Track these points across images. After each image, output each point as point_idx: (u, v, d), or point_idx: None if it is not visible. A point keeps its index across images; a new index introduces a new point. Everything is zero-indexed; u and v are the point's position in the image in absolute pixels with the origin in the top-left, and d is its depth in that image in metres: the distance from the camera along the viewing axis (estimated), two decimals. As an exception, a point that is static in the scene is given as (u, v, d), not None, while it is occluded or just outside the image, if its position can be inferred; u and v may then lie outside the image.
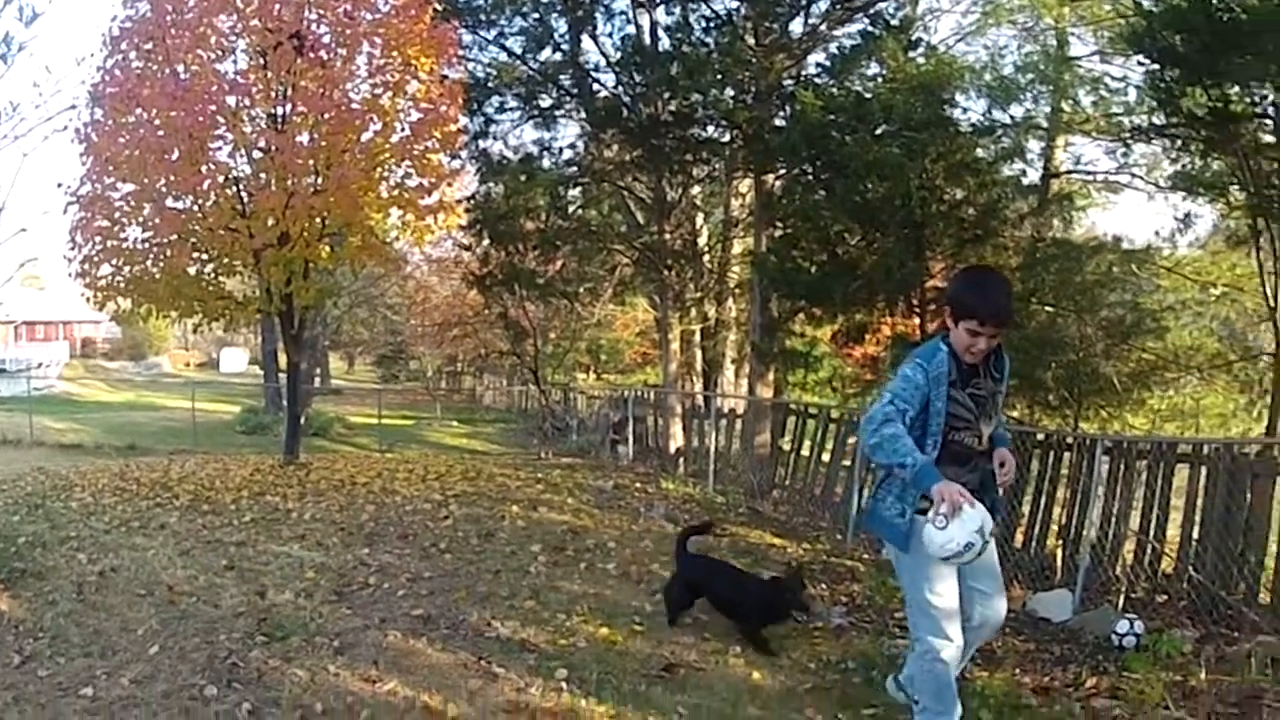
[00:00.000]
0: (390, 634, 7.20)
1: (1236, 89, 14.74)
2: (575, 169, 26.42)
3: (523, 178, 24.66)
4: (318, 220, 17.22)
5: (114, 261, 17.10)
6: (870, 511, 5.68)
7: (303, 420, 26.11)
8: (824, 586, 9.37)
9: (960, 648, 5.41)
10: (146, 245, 17.12)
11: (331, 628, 7.34)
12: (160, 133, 16.03)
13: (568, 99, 25.62)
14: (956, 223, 16.66)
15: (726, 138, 23.37)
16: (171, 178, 16.28)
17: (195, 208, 16.88)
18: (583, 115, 25.77)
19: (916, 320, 16.86)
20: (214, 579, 8.88)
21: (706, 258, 27.29)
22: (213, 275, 18.12)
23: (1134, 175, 23.15)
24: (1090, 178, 24.33)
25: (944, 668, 5.37)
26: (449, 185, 19.44)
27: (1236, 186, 16.97)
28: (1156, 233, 43.92)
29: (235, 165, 17.38)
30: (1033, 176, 21.57)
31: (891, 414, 5.11)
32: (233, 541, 10.55)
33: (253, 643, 6.99)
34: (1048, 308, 17.50)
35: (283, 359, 27.45)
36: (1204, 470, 9.16)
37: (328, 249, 18.15)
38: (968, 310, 5.17)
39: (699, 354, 28.66)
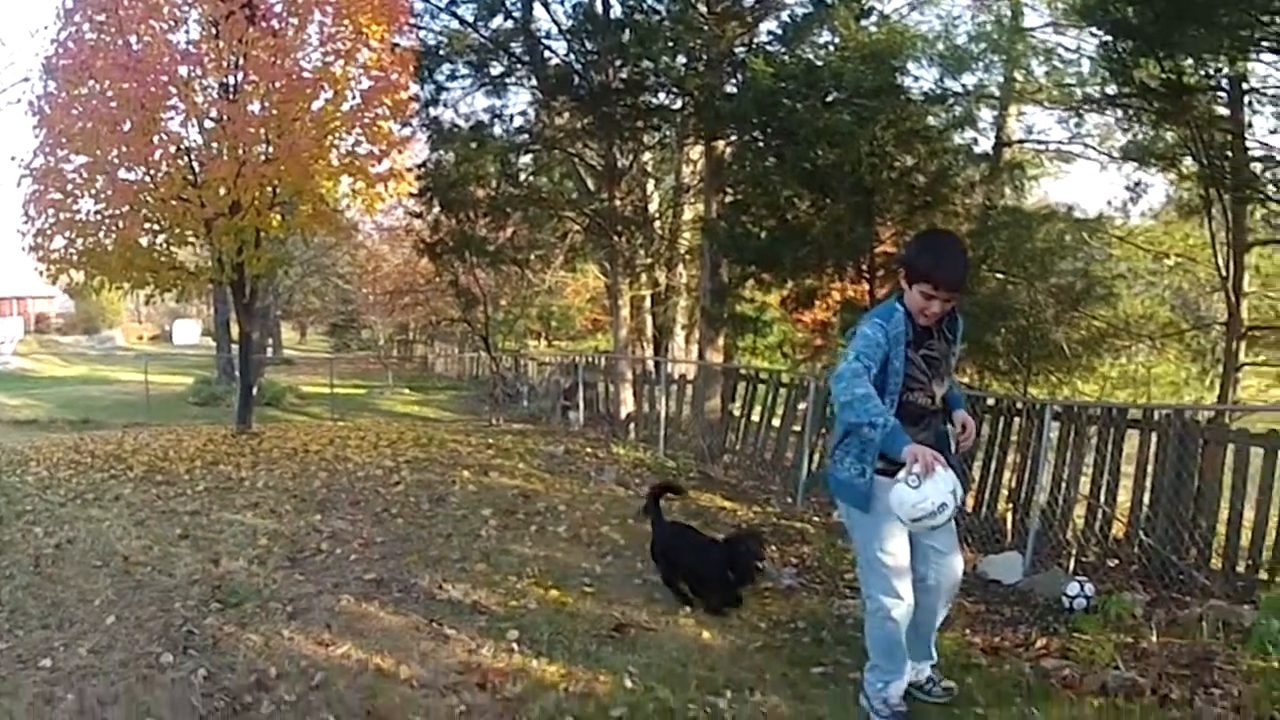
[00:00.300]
0: (343, 598, 7.29)
1: (1190, 61, 14.92)
2: (526, 136, 26.29)
3: (473, 145, 24.62)
4: (269, 189, 17.24)
5: (67, 234, 17.05)
6: (828, 473, 5.76)
7: (255, 390, 26.08)
8: (774, 548, 9.49)
9: (910, 607, 5.51)
10: (99, 217, 17.06)
11: (285, 593, 7.41)
12: (113, 104, 16.03)
13: (519, 66, 25.49)
14: (907, 189, 16.79)
15: (678, 105, 23.34)
16: (124, 149, 16.28)
17: (147, 178, 16.86)
18: (534, 83, 25.65)
19: (866, 285, 16.98)
20: (169, 549, 8.91)
21: (657, 224, 27.23)
22: (165, 246, 18.08)
23: (1087, 145, 23.28)
24: (1043, 147, 24.44)
25: (895, 626, 5.49)
26: (399, 153, 19.49)
27: (1189, 158, 17.17)
28: (1109, 202, 44.27)
29: (187, 135, 17.37)
30: (985, 145, 21.65)
31: (859, 370, 5.16)
32: (187, 511, 10.57)
33: (207, 610, 7.04)
34: (998, 274, 17.65)
35: (235, 330, 27.39)
36: (1154, 436, 9.27)
37: (279, 217, 18.17)
38: (923, 274, 5.27)
39: (650, 320, 28.65)
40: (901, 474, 4.99)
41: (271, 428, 21.75)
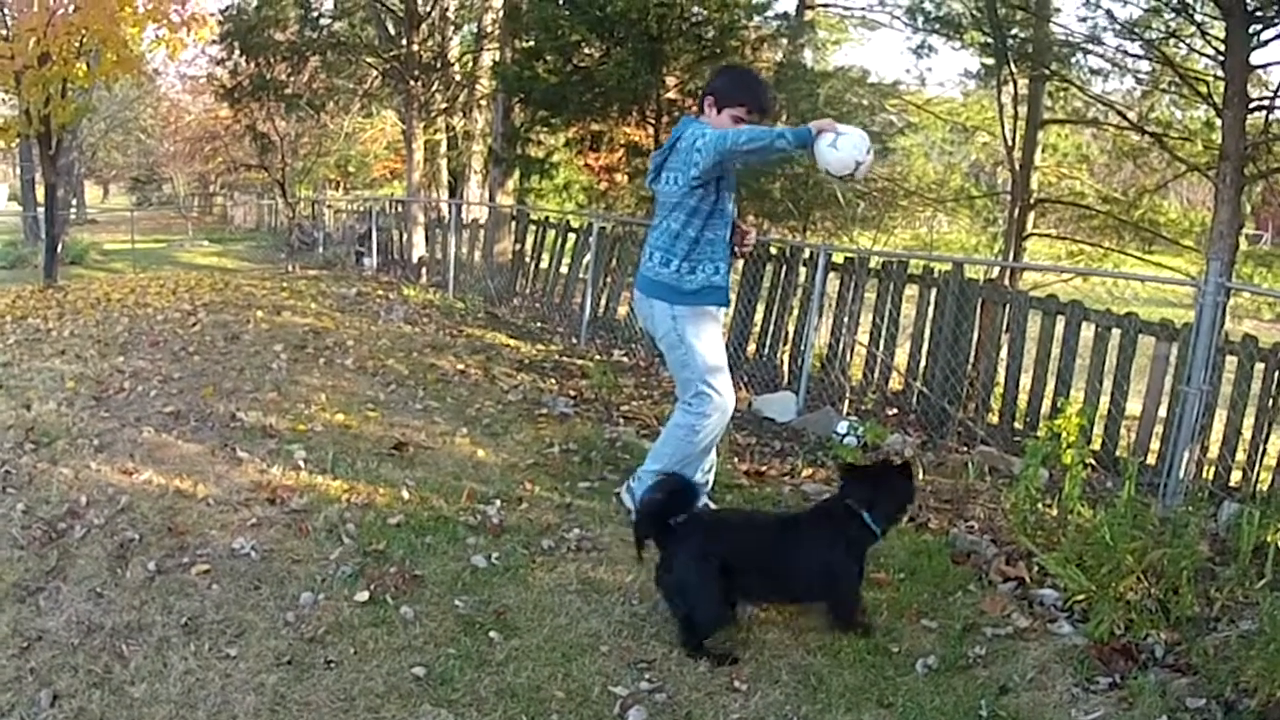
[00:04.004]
0: (145, 430, 7.57)
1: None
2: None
3: (274, -13, 24.57)
4: (76, 38, 17.39)
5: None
6: (674, 288, 5.89)
7: (60, 248, 25.89)
8: (554, 381, 10.24)
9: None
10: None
11: (92, 430, 7.65)
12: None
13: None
14: (695, 40, 17.06)
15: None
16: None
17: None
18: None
19: (651, 130, 17.41)
20: (-16, 401, 9.02)
21: (455, 69, 27.33)
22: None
23: (893, 16, 23.81)
24: (847, 12, 25.02)
25: (720, 425, 6.02)
26: (200, -2, 19.77)
27: (980, 29, 17.79)
28: (907, 70, 45.14)
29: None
30: (788, 4, 21.87)
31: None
32: (-1, 363, 10.80)
33: (22, 451, 7.22)
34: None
35: (41, 190, 27.16)
36: (934, 291, 9.70)
37: (84, 66, 18.41)
38: (739, 100, 5.72)
39: (444, 165, 28.87)
40: (829, 140, 5.30)
41: (76, 282, 21.62)
